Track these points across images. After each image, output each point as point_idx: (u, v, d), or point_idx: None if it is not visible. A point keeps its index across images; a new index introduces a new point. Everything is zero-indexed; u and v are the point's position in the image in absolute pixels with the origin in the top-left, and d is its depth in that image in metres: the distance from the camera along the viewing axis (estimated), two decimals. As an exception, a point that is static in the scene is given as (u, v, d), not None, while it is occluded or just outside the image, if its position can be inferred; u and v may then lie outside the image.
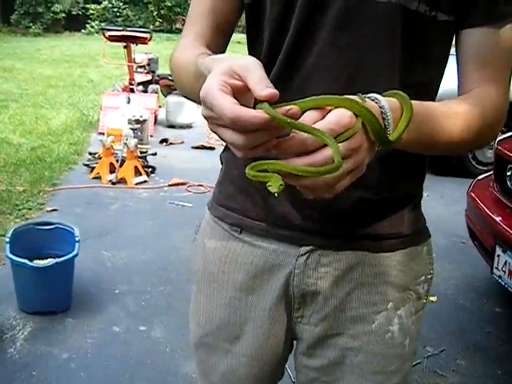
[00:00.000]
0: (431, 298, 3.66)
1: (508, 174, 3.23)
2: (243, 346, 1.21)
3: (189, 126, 8.59)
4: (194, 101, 1.05)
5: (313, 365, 1.20)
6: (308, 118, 0.78)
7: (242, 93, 0.78)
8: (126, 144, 5.69)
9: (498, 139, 3.62)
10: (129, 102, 7.49)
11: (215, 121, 0.77)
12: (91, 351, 2.91)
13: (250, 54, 1.15)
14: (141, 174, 5.86)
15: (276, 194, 0.77)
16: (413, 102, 0.89)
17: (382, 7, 0.98)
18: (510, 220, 3.06)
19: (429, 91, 1.08)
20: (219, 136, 0.79)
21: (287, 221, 1.11)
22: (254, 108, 0.76)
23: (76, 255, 3.15)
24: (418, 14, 0.99)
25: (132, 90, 8.00)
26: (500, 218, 3.13)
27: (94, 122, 7.91)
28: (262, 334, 1.19)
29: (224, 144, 1.09)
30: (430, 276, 1.22)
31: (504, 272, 2.96)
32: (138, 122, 7.10)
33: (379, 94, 0.87)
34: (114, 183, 5.63)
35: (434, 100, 1.08)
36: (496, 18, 1.01)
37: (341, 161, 0.74)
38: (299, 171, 0.76)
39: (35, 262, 3.21)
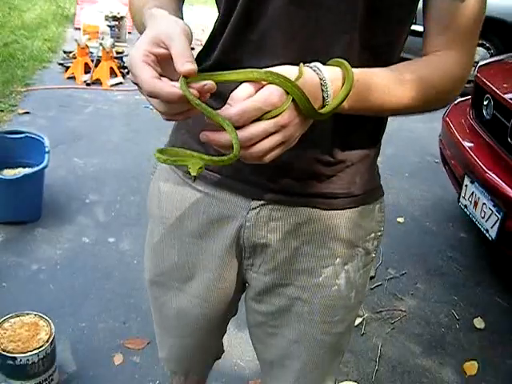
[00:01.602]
0: (398, 219, 3.73)
1: (484, 103, 3.20)
2: (194, 288, 1.24)
3: (169, 23, 8.31)
4: None
5: (261, 309, 1.24)
6: (242, 92, 0.82)
7: (167, 59, 0.82)
8: (101, 44, 5.52)
9: (479, 64, 3.57)
10: (107, -3, 7.20)
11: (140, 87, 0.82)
12: (60, 262, 2.96)
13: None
14: (116, 75, 5.73)
15: (194, 177, 0.83)
16: (359, 70, 0.91)
17: None
18: (481, 151, 3.07)
19: (391, 52, 1.06)
20: (147, 100, 0.83)
21: (241, 174, 1.10)
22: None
23: (46, 167, 3.12)
24: None
25: (110, -17, 7.67)
26: (471, 148, 3.14)
27: (71, 16, 7.62)
28: (212, 278, 1.22)
29: None
30: (380, 233, 1.24)
31: (470, 202, 3.00)
32: (115, 18, 6.87)
33: (330, 59, 0.92)
34: (88, 84, 5.51)
35: (396, 59, 1.06)
36: None
37: (237, 153, 0.79)
38: (196, 157, 0.85)
39: (5, 171, 3.19)
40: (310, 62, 0.89)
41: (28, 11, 7.63)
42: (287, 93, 0.81)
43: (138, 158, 4.16)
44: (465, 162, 3.13)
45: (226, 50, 1.04)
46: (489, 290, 3.16)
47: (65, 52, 6.05)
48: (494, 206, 2.78)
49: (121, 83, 5.67)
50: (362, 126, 1.08)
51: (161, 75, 0.81)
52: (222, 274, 1.21)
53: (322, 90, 0.86)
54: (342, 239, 1.15)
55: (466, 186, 3.04)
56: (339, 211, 1.13)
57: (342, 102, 0.89)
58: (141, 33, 1.03)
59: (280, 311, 1.21)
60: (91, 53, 5.65)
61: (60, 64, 5.82)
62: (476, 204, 2.94)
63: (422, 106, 1.03)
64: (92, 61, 5.58)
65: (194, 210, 1.18)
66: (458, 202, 3.15)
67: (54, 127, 4.42)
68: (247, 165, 1.09)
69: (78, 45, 5.50)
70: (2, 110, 4.63)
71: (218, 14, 1.10)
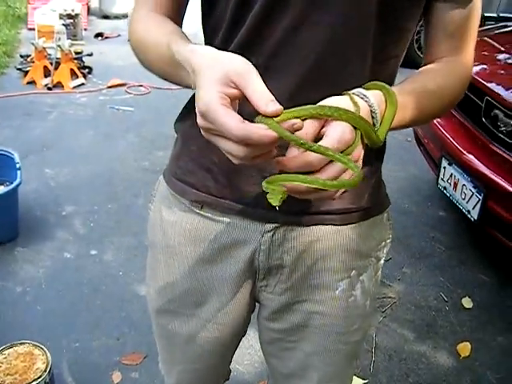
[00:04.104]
0: (378, 204, 3.75)
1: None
2: (207, 312, 1.22)
3: (125, 16, 8.18)
4: (166, 79, 1.03)
5: (277, 327, 1.24)
6: (309, 130, 0.79)
7: (235, 99, 0.77)
8: (59, 46, 5.39)
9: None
10: (58, -6, 7.03)
11: (214, 132, 0.76)
12: (45, 281, 2.90)
13: (203, 20, 1.06)
14: (77, 77, 5.61)
15: (277, 207, 0.78)
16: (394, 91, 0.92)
17: None
18: (457, 131, 3.09)
19: (397, 62, 1.07)
20: (216, 144, 0.77)
21: (251, 199, 1.08)
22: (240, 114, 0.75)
23: (19, 184, 3.04)
24: None
25: (60, -20, 7.48)
26: (446, 128, 3.15)
27: (23, 16, 7.42)
28: (225, 302, 1.20)
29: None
30: (389, 240, 1.25)
31: (449, 184, 3.03)
32: (70, 16, 6.73)
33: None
34: (49, 88, 5.38)
35: (397, 69, 1.09)
36: None
37: (360, 174, 0.77)
38: (321, 185, 0.78)
39: (-24, 191, 3.10)
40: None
41: (-23, 14, 7.43)
42: (354, 127, 0.81)
43: (110, 163, 4.10)
44: (441, 143, 3.15)
45: None
46: (473, 268, 3.22)
47: (22, 56, 5.89)
48: (474, 187, 2.81)
49: (83, 84, 5.56)
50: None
51: None
52: (236, 297, 1.20)
53: (372, 117, 0.88)
54: (355, 252, 1.15)
55: (445, 168, 3.06)
56: (351, 225, 1.13)
57: (391, 125, 0.90)
58: (163, 72, 1.00)
59: (297, 327, 1.21)
60: (49, 55, 5.52)
61: (18, 69, 5.67)
62: (456, 185, 2.96)
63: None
64: (51, 63, 5.45)
65: (204, 238, 1.15)
66: (437, 183, 3.18)
67: (20, 137, 4.33)
68: (258, 189, 1.07)
69: (36, 48, 5.36)
70: (-37, 124, 4.51)
71: (210, 30, 1.06)
